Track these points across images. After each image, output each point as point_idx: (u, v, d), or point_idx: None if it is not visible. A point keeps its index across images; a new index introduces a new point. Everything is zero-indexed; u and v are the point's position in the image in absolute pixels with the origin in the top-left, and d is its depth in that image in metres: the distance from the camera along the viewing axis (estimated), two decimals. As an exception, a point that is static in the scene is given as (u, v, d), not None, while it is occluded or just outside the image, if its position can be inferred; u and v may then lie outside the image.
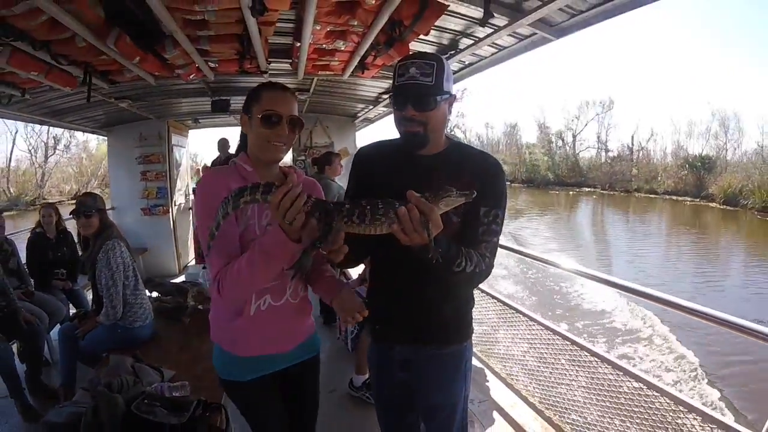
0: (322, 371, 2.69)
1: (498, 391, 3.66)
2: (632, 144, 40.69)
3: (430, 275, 1.54)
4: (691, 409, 2.36)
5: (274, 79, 4.92)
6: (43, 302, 4.03)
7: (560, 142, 45.06)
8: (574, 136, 44.27)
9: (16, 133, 31.50)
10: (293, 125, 1.63)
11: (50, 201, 5.79)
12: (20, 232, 5.45)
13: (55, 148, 33.48)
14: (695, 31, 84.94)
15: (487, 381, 3.82)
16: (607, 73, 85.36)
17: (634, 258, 15.70)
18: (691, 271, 13.94)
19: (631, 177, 37.35)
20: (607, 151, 42.51)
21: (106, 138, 7.51)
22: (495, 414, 3.34)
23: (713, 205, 28.34)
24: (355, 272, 4.65)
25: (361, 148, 1.87)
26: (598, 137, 43.13)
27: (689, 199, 31.02)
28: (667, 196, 32.64)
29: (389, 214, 1.28)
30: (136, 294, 3.24)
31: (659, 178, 35.57)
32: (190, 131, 8.53)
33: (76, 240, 4.58)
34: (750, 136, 36.04)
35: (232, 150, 7.70)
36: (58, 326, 3.87)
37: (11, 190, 30.18)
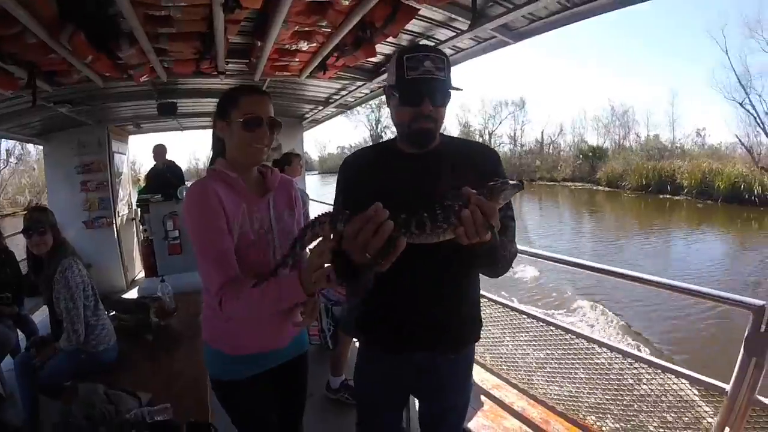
0: None
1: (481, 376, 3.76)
2: (542, 139, 47.00)
3: (447, 276, 1.54)
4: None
5: (228, 81, 4.96)
6: (-13, 331, 3.63)
7: (479, 139, 47.98)
8: (490, 134, 49.42)
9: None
10: (272, 126, 1.67)
11: (1, 213, 5.34)
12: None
13: (7, 161, 32.26)
14: (603, 33, 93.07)
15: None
16: (523, 72, 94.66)
17: (549, 235, 18.46)
18: (590, 243, 16.54)
19: (535, 168, 42.54)
20: (521, 146, 48.34)
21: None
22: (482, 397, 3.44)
23: (598, 188, 34.05)
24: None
25: (347, 158, 1.75)
26: (514, 134, 49.01)
27: (579, 184, 36.77)
28: (566, 183, 38.14)
29: (450, 218, 1.19)
30: (97, 314, 3.03)
31: (559, 167, 40.84)
32: (129, 137, 8.11)
33: (19, 259, 4.24)
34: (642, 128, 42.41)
35: (170, 156, 7.45)
36: (8, 357, 3.58)
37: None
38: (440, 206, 1.20)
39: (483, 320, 1.78)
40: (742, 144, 29.21)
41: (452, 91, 1.49)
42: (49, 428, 2.35)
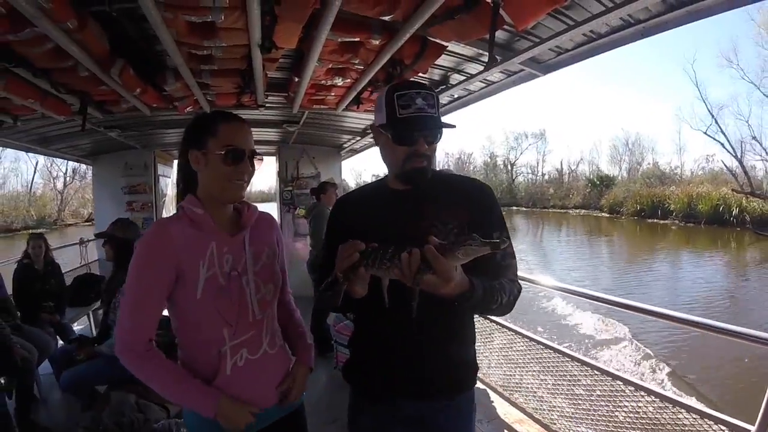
0: (322, 404, 2.67)
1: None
2: (561, 168, 50.08)
3: (439, 318, 1.43)
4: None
5: (268, 112, 5.17)
6: (31, 336, 3.83)
7: (505, 169, 53.03)
8: (511, 164, 52.86)
9: (36, 164, 39.24)
10: (253, 159, 1.50)
11: (40, 231, 5.65)
12: (5, 263, 5.32)
13: (73, 178, 40.33)
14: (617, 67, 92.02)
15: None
16: (545, 103, 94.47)
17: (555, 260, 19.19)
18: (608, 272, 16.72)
19: (549, 196, 45.04)
20: (543, 175, 51.80)
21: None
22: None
23: (601, 214, 36.39)
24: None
25: (341, 197, 1.73)
26: (536, 164, 52.46)
27: (585, 211, 39.20)
28: (575, 210, 40.57)
29: (394, 259, 1.18)
30: None
31: (570, 195, 43.16)
32: (174, 161, 8.44)
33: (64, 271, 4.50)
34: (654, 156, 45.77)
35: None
36: (46, 362, 3.74)
37: (32, 214, 36.25)
38: (397, 246, 1.18)
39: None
40: (727, 168, 31.56)
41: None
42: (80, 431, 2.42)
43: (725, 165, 31.88)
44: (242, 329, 1.46)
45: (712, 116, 31.76)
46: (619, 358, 8.47)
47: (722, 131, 31.57)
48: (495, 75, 3.74)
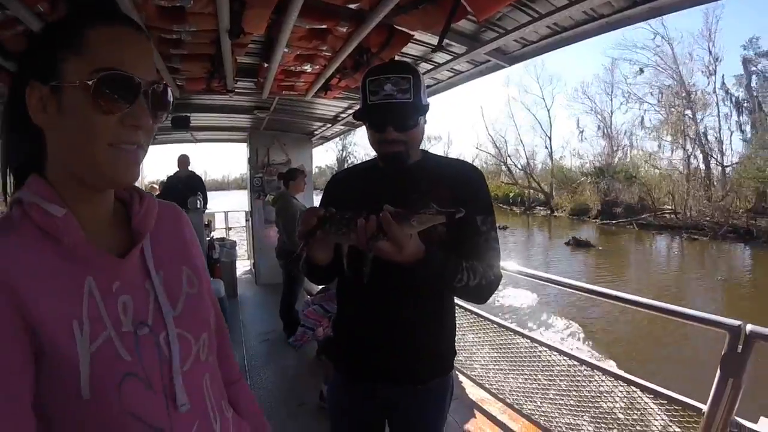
0: (289, 388, 2.68)
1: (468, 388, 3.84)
2: None
3: (417, 301, 1.44)
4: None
5: (238, 98, 5.14)
6: None
7: None
8: None
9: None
10: (160, 105, 0.80)
11: None
12: None
13: None
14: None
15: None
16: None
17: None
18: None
19: None
20: None
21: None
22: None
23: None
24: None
25: (335, 175, 1.74)
26: None
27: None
28: None
29: (351, 224, 1.18)
30: None
31: None
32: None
33: None
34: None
35: (192, 167, 7.64)
36: None
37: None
38: (353, 212, 1.20)
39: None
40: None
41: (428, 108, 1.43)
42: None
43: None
44: (181, 427, 0.81)
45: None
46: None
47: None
48: (462, 65, 3.82)
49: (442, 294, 1.50)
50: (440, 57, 3.73)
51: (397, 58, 3.47)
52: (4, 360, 0.66)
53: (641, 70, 34.76)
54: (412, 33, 3.07)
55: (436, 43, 3.43)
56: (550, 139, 43.71)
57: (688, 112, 30.44)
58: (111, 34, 0.74)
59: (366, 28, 2.83)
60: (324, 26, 2.95)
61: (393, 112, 1.38)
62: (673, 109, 31.38)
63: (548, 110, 44.68)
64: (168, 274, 0.88)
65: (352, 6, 2.66)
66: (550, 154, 43.31)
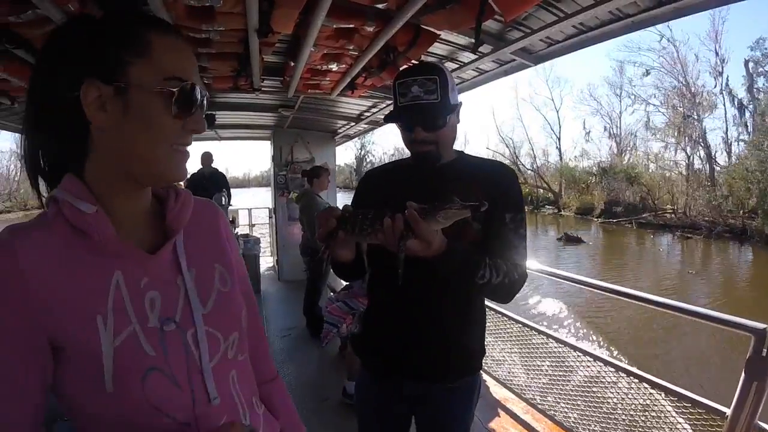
0: (313, 384, 2.68)
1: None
2: None
3: (447, 297, 1.45)
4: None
5: (263, 96, 5.19)
6: None
7: None
8: None
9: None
10: (205, 111, 0.84)
11: None
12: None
13: None
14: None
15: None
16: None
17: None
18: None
19: None
20: None
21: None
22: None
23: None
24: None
25: (368, 172, 1.74)
26: None
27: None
28: None
29: (375, 224, 1.19)
30: None
31: None
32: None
33: None
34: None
35: (216, 164, 7.73)
36: None
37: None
38: (377, 212, 1.20)
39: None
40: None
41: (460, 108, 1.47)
42: None
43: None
44: (205, 422, 0.80)
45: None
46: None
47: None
48: (487, 64, 3.81)
49: (470, 292, 1.49)
50: (465, 56, 3.72)
51: (423, 57, 3.48)
52: (14, 357, 0.70)
53: (647, 72, 34.57)
54: (438, 32, 3.07)
55: (461, 43, 3.45)
56: (559, 139, 43.89)
57: (693, 113, 30.11)
58: (171, 43, 0.78)
59: (393, 27, 2.83)
60: (351, 25, 2.96)
61: (420, 113, 1.42)
62: (677, 111, 31.17)
63: (557, 111, 45.04)
64: (200, 271, 0.89)
65: (380, 6, 2.67)
66: (560, 155, 43.42)
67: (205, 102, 0.81)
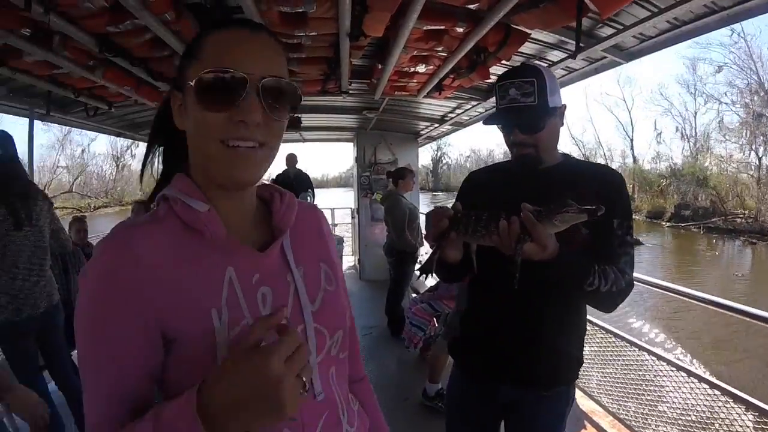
0: (394, 383, 2.67)
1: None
2: None
3: (551, 303, 1.43)
4: None
5: (350, 98, 5.26)
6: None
7: None
8: None
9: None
10: (277, 100, 0.76)
11: (82, 215, 5.39)
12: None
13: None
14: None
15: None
16: None
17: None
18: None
19: None
20: None
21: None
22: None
23: None
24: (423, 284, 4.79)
25: (472, 173, 1.74)
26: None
27: None
28: None
29: (490, 225, 1.16)
30: None
31: None
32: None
33: None
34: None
35: (299, 165, 7.94)
36: None
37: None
38: (491, 213, 1.18)
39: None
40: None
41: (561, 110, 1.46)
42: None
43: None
44: (310, 418, 0.82)
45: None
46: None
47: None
48: (577, 62, 3.68)
49: (576, 299, 1.47)
50: (554, 55, 3.63)
51: (513, 57, 3.42)
52: (131, 347, 0.71)
53: (719, 69, 31.88)
54: (529, 32, 3.00)
55: (550, 41, 3.36)
56: (632, 141, 42.06)
57: (766, 111, 27.64)
58: (222, 37, 0.77)
59: (483, 27, 2.81)
60: (441, 27, 2.96)
61: (517, 115, 1.43)
62: (749, 109, 28.71)
63: (629, 112, 42.63)
64: (307, 270, 0.90)
65: (471, 6, 2.66)
66: (633, 157, 41.40)
67: (267, 88, 0.75)
